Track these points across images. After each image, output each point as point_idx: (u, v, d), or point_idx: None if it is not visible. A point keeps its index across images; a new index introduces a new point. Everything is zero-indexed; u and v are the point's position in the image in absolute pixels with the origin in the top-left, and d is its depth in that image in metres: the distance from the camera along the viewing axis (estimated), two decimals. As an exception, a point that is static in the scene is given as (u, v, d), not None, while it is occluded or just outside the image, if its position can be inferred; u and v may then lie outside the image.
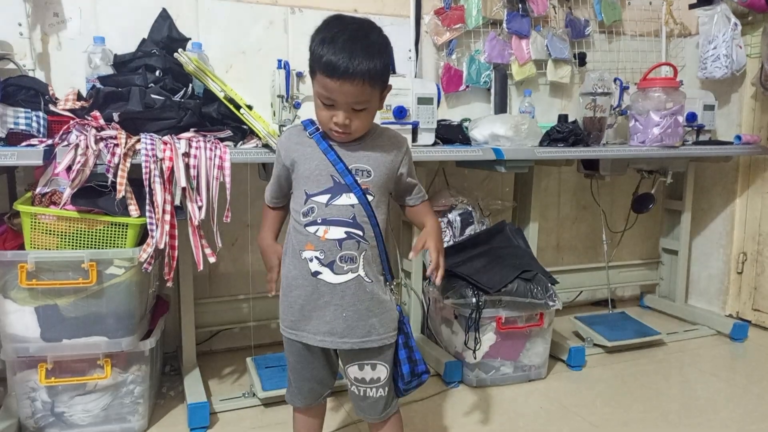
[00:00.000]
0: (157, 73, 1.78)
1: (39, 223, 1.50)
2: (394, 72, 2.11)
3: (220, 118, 1.78)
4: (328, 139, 1.21)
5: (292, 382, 1.33)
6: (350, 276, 1.19)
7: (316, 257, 1.18)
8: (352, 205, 1.19)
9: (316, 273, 1.19)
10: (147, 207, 1.52)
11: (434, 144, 2.06)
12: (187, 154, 1.56)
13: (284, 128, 1.85)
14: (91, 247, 1.54)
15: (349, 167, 1.19)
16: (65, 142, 1.50)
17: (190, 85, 1.84)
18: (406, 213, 1.37)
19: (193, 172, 1.57)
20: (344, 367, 1.28)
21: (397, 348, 1.27)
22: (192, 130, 1.68)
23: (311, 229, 1.19)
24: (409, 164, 1.29)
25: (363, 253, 1.19)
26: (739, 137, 2.49)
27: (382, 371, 1.25)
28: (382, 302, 1.23)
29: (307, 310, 1.21)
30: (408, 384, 1.29)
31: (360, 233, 1.19)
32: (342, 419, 1.78)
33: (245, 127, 1.79)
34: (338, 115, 1.13)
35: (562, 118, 2.36)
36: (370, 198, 1.20)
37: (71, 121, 1.60)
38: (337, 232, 1.18)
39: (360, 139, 1.21)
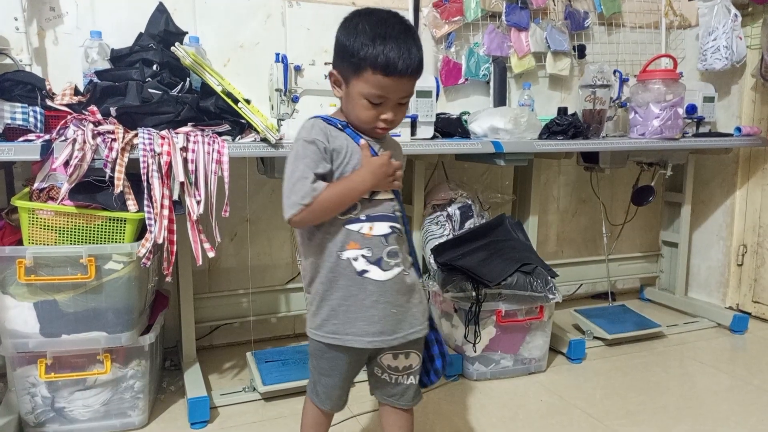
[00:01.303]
0: (155, 67, 1.77)
1: (37, 218, 1.50)
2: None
3: (217, 112, 1.77)
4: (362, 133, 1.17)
5: (322, 387, 1.26)
6: (396, 271, 1.16)
7: (363, 255, 1.13)
8: (391, 199, 1.18)
9: (363, 272, 1.13)
10: (145, 202, 1.51)
11: (433, 137, 2.05)
12: (185, 149, 1.56)
13: (282, 122, 1.84)
14: (90, 243, 1.54)
15: None
16: (63, 137, 1.50)
17: (188, 79, 1.83)
18: None
19: (191, 166, 1.56)
20: (377, 357, 1.24)
21: (429, 343, 1.29)
22: (190, 124, 1.67)
23: (354, 226, 1.13)
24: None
25: (402, 246, 1.19)
26: (739, 129, 2.48)
27: (415, 359, 1.26)
28: (419, 292, 1.23)
29: (352, 311, 1.15)
30: (436, 370, 1.31)
31: (399, 226, 1.18)
32: (342, 413, 1.77)
33: (243, 121, 1.78)
34: (388, 113, 1.11)
35: (562, 110, 2.35)
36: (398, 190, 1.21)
37: (68, 116, 1.59)
38: (383, 228, 1.15)
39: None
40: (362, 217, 1.13)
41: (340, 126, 1.15)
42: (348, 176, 1.12)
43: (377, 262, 1.14)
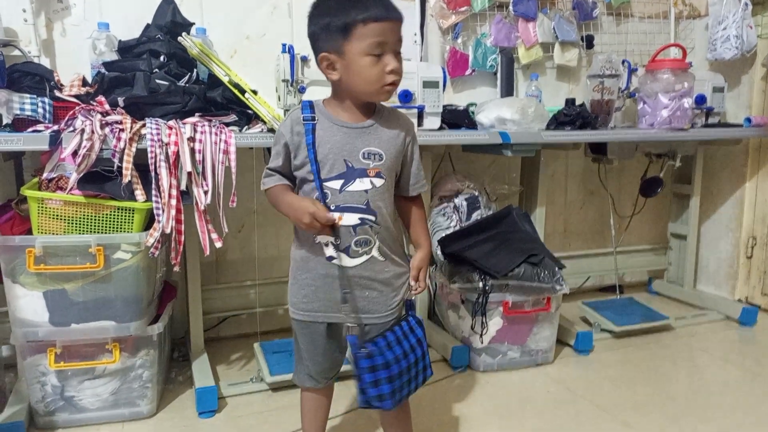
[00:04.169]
0: (162, 58, 1.77)
1: (46, 208, 1.51)
2: (400, 56, 2.09)
3: (224, 102, 1.78)
4: (338, 122, 1.19)
5: (304, 363, 1.33)
6: (365, 258, 1.21)
7: (332, 243, 1.19)
8: (366, 191, 1.18)
9: (331, 258, 1.20)
10: (153, 192, 1.52)
11: (440, 128, 2.04)
12: (192, 139, 1.56)
13: (289, 113, 1.84)
14: (98, 232, 1.55)
15: (362, 150, 1.18)
16: (71, 128, 1.50)
17: (195, 70, 1.83)
18: (399, 208, 1.31)
19: (198, 156, 1.56)
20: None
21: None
22: (197, 114, 1.67)
23: None
24: (414, 147, 1.27)
25: (377, 235, 1.21)
26: (749, 119, 2.46)
27: None
28: (390, 285, 1.24)
29: (321, 291, 1.23)
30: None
31: (373, 218, 1.19)
32: (349, 404, 1.78)
33: (250, 111, 1.78)
34: (391, 61, 1.12)
35: (570, 101, 2.34)
36: (382, 182, 1.19)
37: (77, 107, 1.60)
38: (352, 219, 1.18)
39: (370, 119, 1.20)
40: (332, 207, 1.17)
41: (304, 118, 1.18)
42: (292, 197, 1.20)
43: (345, 250, 1.20)
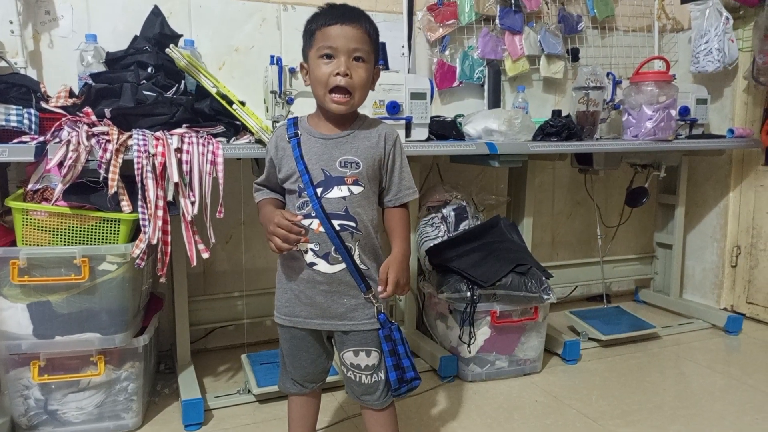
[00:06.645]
0: (149, 69, 1.77)
1: (31, 219, 1.50)
2: (387, 68, 2.11)
3: (212, 114, 1.78)
4: (316, 134, 1.25)
5: (287, 369, 1.35)
6: (344, 265, 1.23)
7: (311, 249, 1.23)
8: (344, 197, 1.21)
9: (312, 264, 1.23)
10: (139, 202, 1.51)
11: (428, 139, 2.06)
12: (179, 150, 1.56)
13: (277, 124, 1.84)
14: (84, 243, 1.54)
15: (338, 159, 1.22)
16: (57, 139, 1.50)
17: (183, 81, 1.83)
18: (384, 219, 1.32)
19: (185, 167, 1.56)
20: (340, 353, 1.30)
21: (384, 355, 1.27)
22: (184, 126, 1.67)
23: (306, 222, 1.22)
24: (396, 156, 1.28)
25: (357, 243, 1.23)
26: (731, 131, 2.50)
27: (375, 357, 1.28)
28: (377, 286, 1.25)
29: (304, 296, 1.26)
30: (396, 390, 1.29)
31: (353, 224, 1.22)
32: (336, 414, 1.77)
33: (238, 123, 1.78)
34: (340, 63, 1.17)
35: (556, 113, 2.36)
36: (360, 189, 1.23)
37: (63, 118, 1.59)
38: (326, 225, 1.21)
39: (347, 129, 1.25)
40: (312, 213, 1.22)
41: (289, 135, 1.26)
42: (268, 209, 1.28)
43: (324, 257, 1.23)
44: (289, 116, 1.86)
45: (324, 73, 1.18)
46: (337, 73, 1.17)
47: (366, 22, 1.21)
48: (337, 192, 1.22)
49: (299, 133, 1.26)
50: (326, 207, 1.21)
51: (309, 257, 1.23)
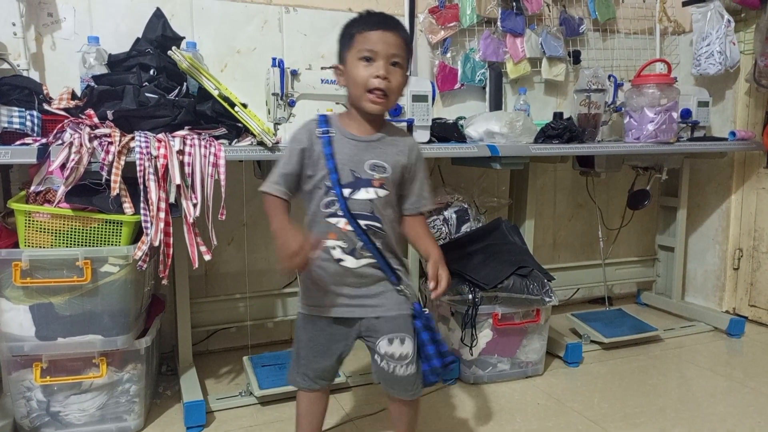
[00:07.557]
0: (152, 71, 1.77)
1: (33, 221, 1.50)
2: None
3: (214, 116, 1.78)
4: (348, 134, 1.28)
5: (300, 362, 1.37)
6: (370, 259, 1.28)
7: (339, 246, 1.27)
8: (371, 200, 1.27)
9: (339, 260, 1.28)
10: (141, 205, 1.52)
11: (429, 141, 2.06)
12: (181, 152, 1.56)
13: (279, 126, 1.85)
14: (86, 245, 1.54)
15: (368, 162, 1.27)
16: (59, 141, 1.50)
17: (185, 83, 1.83)
18: (404, 226, 1.37)
19: (187, 169, 1.56)
20: (375, 344, 1.31)
21: (424, 344, 1.31)
22: (186, 128, 1.68)
23: (333, 220, 1.27)
24: (419, 167, 1.35)
25: (381, 240, 1.29)
26: (733, 133, 2.50)
27: (409, 346, 1.30)
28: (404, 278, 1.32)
29: (332, 287, 1.30)
30: (445, 369, 1.32)
31: (378, 225, 1.28)
32: (339, 416, 1.77)
33: (240, 125, 1.78)
34: (379, 67, 1.21)
35: (557, 115, 2.36)
36: (386, 193, 1.28)
37: (65, 120, 1.59)
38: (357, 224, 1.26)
39: (377, 133, 1.30)
40: (339, 212, 1.26)
41: (320, 131, 1.28)
42: (287, 222, 1.24)
43: (351, 253, 1.28)
44: (291, 118, 1.87)
45: (363, 75, 1.22)
46: (377, 76, 1.21)
47: (403, 30, 1.27)
48: (364, 194, 1.26)
49: (331, 131, 1.29)
50: (352, 207, 1.26)
51: (336, 254, 1.27)
